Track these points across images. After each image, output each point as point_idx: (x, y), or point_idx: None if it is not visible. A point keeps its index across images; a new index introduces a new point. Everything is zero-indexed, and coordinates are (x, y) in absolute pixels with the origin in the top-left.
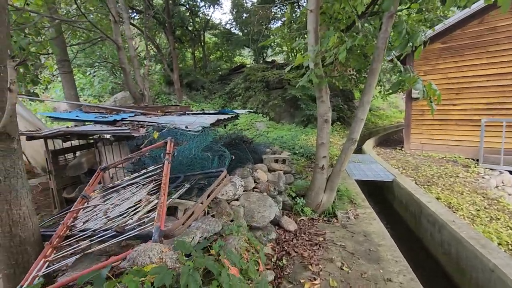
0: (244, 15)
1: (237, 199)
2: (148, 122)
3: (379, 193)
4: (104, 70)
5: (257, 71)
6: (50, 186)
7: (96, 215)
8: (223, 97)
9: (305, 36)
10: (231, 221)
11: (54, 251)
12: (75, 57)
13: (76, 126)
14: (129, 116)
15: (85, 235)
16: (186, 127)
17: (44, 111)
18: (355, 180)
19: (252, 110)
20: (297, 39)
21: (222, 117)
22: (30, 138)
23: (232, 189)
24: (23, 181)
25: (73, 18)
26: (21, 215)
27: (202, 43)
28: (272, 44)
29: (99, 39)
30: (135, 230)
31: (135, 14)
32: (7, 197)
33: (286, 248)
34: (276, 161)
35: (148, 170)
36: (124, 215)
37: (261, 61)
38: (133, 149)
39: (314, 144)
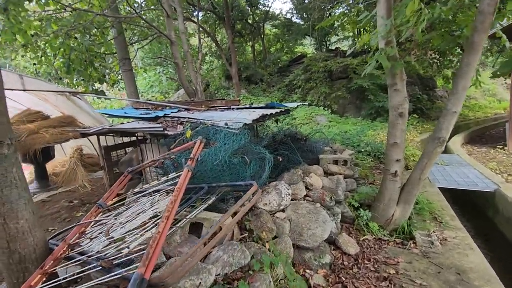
0: (306, 1)
1: (282, 210)
2: (188, 118)
3: (470, 204)
4: (171, 68)
5: (318, 61)
6: (104, 181)
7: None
8: (281, 89)
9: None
10: (274, 238)
11: (45, 277)
12: (140, 56)
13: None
14: (172, 112)
15: (80, 260)
16: (226, 124)
17: (118, 108)
18: (438, 187)
19: (305, 103)
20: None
21: (268, 112)
22: (83, 135)
23: (277, 198)
24: (20, 191)
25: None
26: (19, 229)
27: (262, 35)
28: (335, 26)
29: (155, 35)
30: (125, 267)
31: (197, 12)
32: (1, 210)
33: (343, 279)
34: (336, 162)
35: (169, 178)
36: (129, 236)
37: (324, 50)
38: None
39: (384, 141)
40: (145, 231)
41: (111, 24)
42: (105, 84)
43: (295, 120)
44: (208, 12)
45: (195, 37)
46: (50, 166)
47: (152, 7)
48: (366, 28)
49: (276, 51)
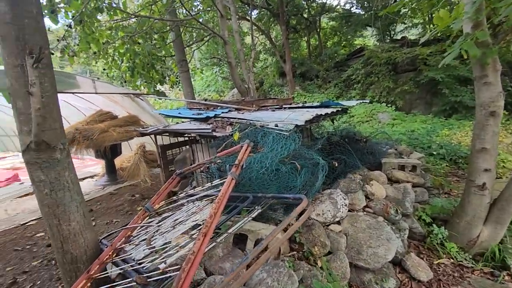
0: None
1: (338, 223)
2: (238, 119)
3: None
4: (226, 68)
5: (381, 53)
6: (161, 178)
7: (153, 237)
8: (338, 85)
9: None
10: (327, 254)
11: (90, 282)
12: (198, 57)
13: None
14: (222, 112)
15: (122, 270)
16: (276, 125)
17: (177, 107)
18: None
19: (366, 100)
20: None
21: (323, 111)
22: (141, 134)
23: (331, 209)
24: (72, 194)
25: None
26: (71, 231)
27: (318, 29)
28: (401, 13)
29: (210, 36)
30: (161, 283)
31: (250, 10)
32: (55, 212)
33: None
34: (402, 167)
35: (213, 184)
36: (168, 248)
37: (387, 40)
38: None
39: (462, 142)
40: (182, 245)
41: (170, 28)
42: (167, 85)
43: (353, 118)
44: (263, 9)
45: (249, 35)
46: (118, 161)
47: (208, 8)
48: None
49: (333, 45)
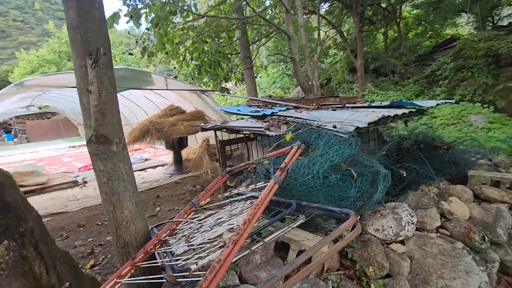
0: None
1: (401, 242)
2: (294, 117)
3: None
4: (291, 64)
5: (477, 42)
6: (219, 172)
7: (195, 232)
8: (419, 82)
9: None
10: (385, 277)
11: (133, 271)
12: (266, 54)
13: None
14: (280, 110)
15: (159, 262)
16: (334, 127)
17: (240, 104)
18: None
19: (451, 100)
20: None
21: (392, 112)
22: (203, 129)
23: (394, 226)
24: (126, 185)
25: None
26: (124, 218)
27: (398, 20)
28: None
29: (275, 33)
30: (191, 285)
31: (318, 3)
32: (111, 199)
33: None
34: (497, 183)
35: (257, 186)
36: (204, 248)
37: (489, 28)
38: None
39: None
40: (216, 248)
41: (236, 26)
42: (234, 82)
43: (435, 119)
44: (334, 1)
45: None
46: (184, 153)
47: (275, 4)
48: None
49: (416, 36)
